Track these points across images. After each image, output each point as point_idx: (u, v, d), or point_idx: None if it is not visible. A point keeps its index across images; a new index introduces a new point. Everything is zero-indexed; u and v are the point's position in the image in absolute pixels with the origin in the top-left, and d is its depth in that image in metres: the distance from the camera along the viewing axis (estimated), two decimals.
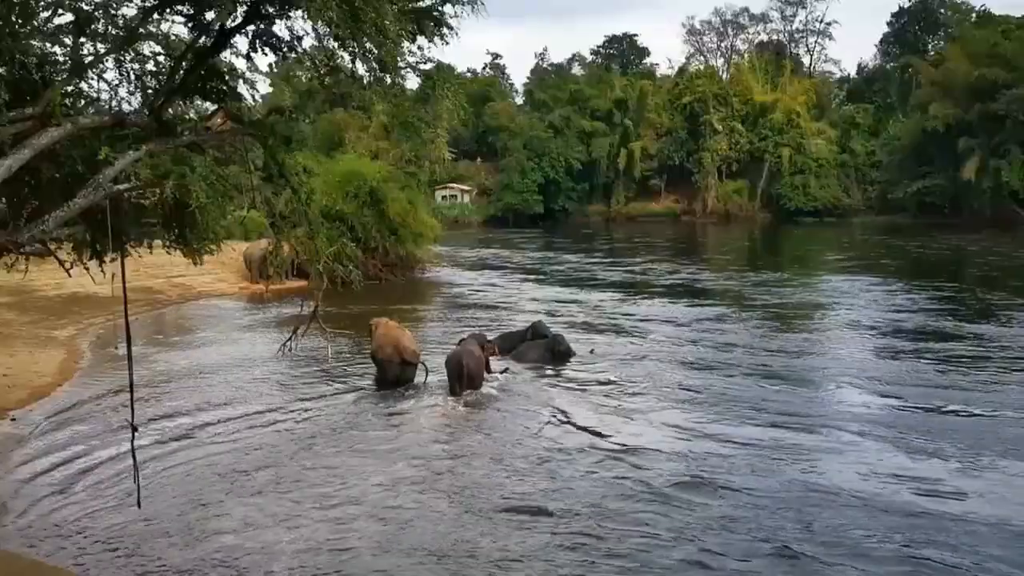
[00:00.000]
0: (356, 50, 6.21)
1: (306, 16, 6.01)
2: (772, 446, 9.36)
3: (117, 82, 6.83)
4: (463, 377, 11.71)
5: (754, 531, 7.09)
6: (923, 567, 6.37)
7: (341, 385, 12.73)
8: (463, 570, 6.57)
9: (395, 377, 12.29)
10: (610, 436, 9.88)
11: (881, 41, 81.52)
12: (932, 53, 69.30)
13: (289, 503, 7.92)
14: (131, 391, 6.97)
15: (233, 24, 6.28)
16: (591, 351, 14.55)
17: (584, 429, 10.21)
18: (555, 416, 10.86)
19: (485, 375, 12.29)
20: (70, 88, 6.54)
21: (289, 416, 11.06)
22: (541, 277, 29.59)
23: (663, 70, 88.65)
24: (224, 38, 6.34)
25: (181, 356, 15.34)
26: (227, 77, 6.86)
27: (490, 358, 12.70)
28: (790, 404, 11.26)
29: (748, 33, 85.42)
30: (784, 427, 10.11)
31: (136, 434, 6.63)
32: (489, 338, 13.66)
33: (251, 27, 6.38)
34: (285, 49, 6.61)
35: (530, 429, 10.34)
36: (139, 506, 6.65)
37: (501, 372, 12.92)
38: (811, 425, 10.18)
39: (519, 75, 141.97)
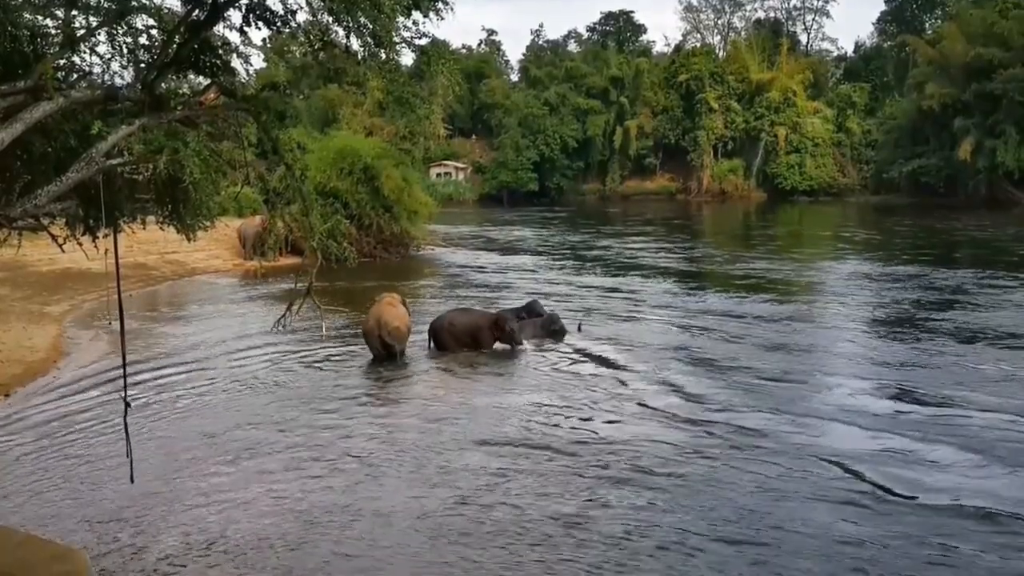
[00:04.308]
0: (351, 25, 6.18)
1: None
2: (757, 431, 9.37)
3: (110, 56, 6.79)
4: (430, 339, 13.25)
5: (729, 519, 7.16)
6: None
7: (331, 359, 12.85)
8: (413, 526, 6.86)
9: (377, 351, 12.43)
10: (587, 415, 9.89)
11: (878, 20, 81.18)
12: (929, 32, 68.92)
13: (273, 468, 8.24)
14: (124, 367, 7.00)
15: None
16: (578, 328, 14.57)
17: (559, 407, 10.21)
18: (531, 390, 10.98)
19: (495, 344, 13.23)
20: (62, 61, 6.50)
21: (278, 389, 11.20)
22: (539, 256, 29.54)
23: (660, 48, 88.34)
24: (217, 11, 6.29)
25: (174, 332, 15.35)
26: (220, 51, 6.81)
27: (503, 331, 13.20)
28: (777, 391, 11.00)
29: (745, 10, 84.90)
30: (773, 414, 9.82)
31: (129, 409, 6.64)
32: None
33: (244, 0, 6.33)
34: (279, 23, 6.57)
35: (505, 401, 10.51)
36: (132, 480, 6.68)
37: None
38: (802, 415, 9.88)
39: (515, 52, 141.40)
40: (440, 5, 6.43)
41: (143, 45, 6.90)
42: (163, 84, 6.59)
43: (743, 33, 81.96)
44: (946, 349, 12.96)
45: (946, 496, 7.28)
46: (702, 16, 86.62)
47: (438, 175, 72.23)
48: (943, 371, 11.73)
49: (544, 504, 7.25)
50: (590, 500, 7.34)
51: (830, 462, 8.10)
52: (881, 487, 7.50)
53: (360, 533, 6.80)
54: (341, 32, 6.42)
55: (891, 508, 7.07)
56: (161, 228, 7.48)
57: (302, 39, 7.02)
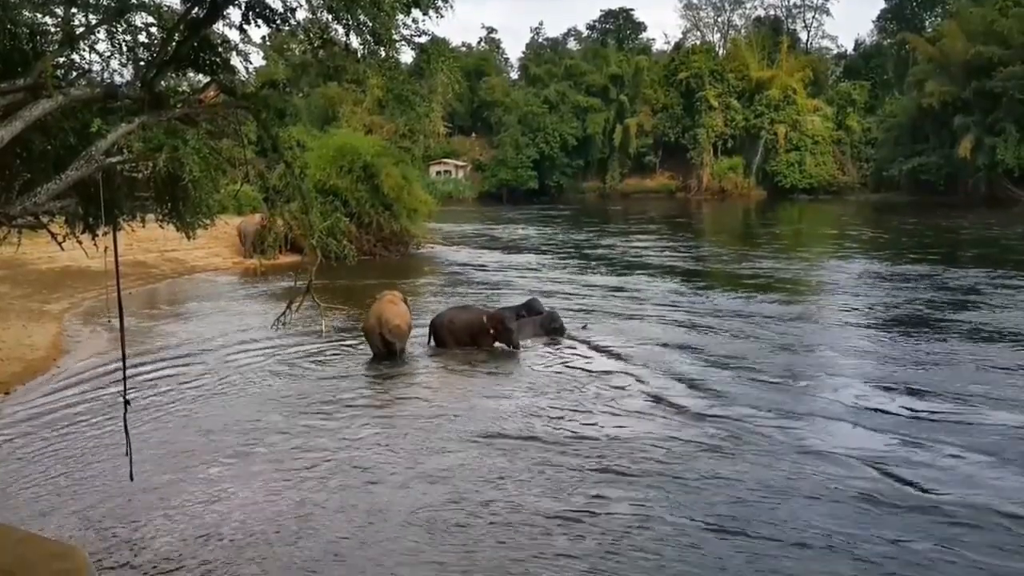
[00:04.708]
0: (350, 22, 6.17)
1: None
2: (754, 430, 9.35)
3: (109, 53, 6.77)
4: (430, 336, 13.36)
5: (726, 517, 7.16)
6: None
7: (331, 356, 12.89)
8: (410, 522, 6.92)
9: (378, 349, 12.45)
10: (587, 412, 9.89)
11: (878, 17, 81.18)
12: (929, 30, 68.89)
13: (271, 464, 8.32)
14: (123, 365, 7.01)
15: None
16: (583, 327, 14.58)
17: (559, 404, 10.20)
18: (531, 388, 10.99)
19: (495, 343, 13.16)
20: (61, 59, 6.48)
21: (277, 386, 11.26)
22: (540, 255, 29.48)
23: (659, 45, 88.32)
24: (217, 9, 6.27)
25: (174, 330, 15.35)
26: (220, 49, 6.80)
27: (498, 330, 13.12)
28: (785, 390, 10.92)
29: (745, 8, 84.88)
30: (779, 413, 9.69)
31: (128, 407, 6.65)
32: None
33: None
34: (278, 21, 6.55)
35: (505, 398, 10.56)
36: (132, 478, 6.69)
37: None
38: (805, 415, 9.77)
39: (514, 50, 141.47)
40: (440, 3, 6.40)
41: (142, 43, 6.87)
42: (163, 82, 6.57)
43: (743, 31, 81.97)
44: (960, 349, 12.82)
45: (954, 496, 7.24)
46: (702, 14, 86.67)
47: (438, 173, 72.19)
48: (957, 371, 11.59)
49: (543, 500, 7.27)
50: (590, 496, 7.34)
51: (836, 461, 8.08)
52: (888, 486, 7.47)
53: (356, 529, 6.84)
54: (341, 30, 6.41)
55: (897, 507, 7.04)
56: (161, 226, 7.48)
57: (301, 37, 7.00)
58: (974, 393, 10.37)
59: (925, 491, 7.36)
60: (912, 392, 10.55)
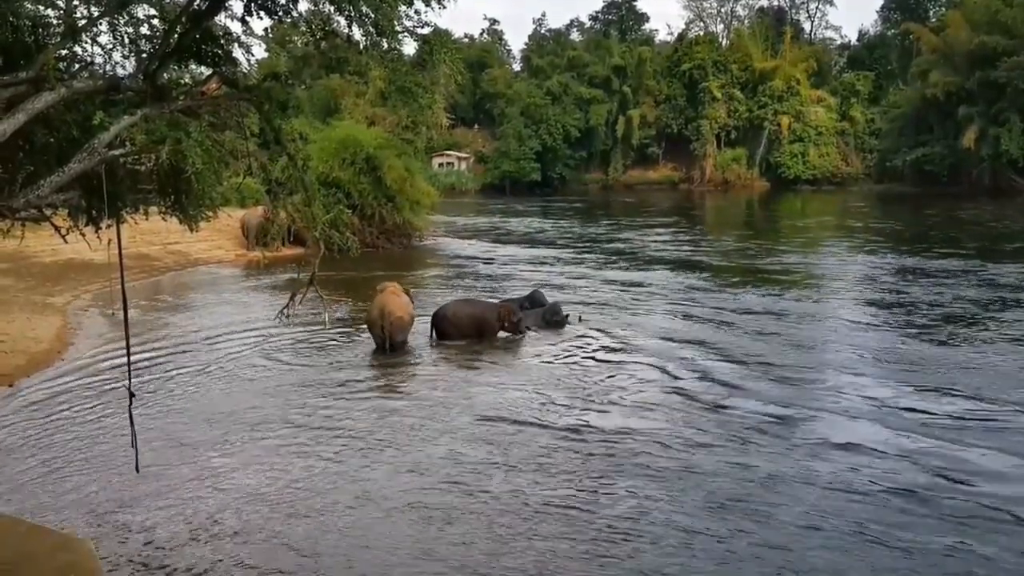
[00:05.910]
0: (352, 14, 6.15)
1: None
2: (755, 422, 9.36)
3: (111, 46, 6.76)
4: (432, 328, 13.30)
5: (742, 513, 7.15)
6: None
7: (333, 347, 12.96)
8: (409, 509, 7.01)
9: (380, 340, 12.48)
10: (589, 404, 9.89)
11: (882, 7, 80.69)
12: (933, 20, 68.60)
13: (272, 453, 8.42)
14: (128, 357, 7.02)
15: None
16: (579, 318, 14.53)
17: (563, 396, 10.19)
18: (534, 379, 11.00)
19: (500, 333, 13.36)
20: (64, 52, 6.47)
21: (280, 377, 11.32)
22: (539, 246, 29.45)
23: (662, 36, 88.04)
24: (219, 1, 6.26)
25: (178, 322, 15.39)
26: (222, 41, 6.78)
27: (510, 321, 13.31)
28: (802, 388, 10.78)
29: None
30: (789, 409, 9.63)
31: (133, 399, 6.66)
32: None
33: None
34: (280, 13, 6.52)
35: (506, 389, 10.59)
36: (137, 470, 6.71)
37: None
38: (808, 408, 9.73)
39: (517, 41, 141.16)
40: None
41: (145, 35, 6.86)
42: (165, 74, 6.56)
43: (746, 21, 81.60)
44: (1001, 350, 12.20)
45: (978, 495, 7.16)
46: (705, 4, 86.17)
47: (440, 165, 72.05)
48: (996, 372, 11.12)
49: (544, 488, 7.30)
50: (591, 485, 7.37)
51: (853, 457, 8.02)
52: (907, 483, 7.41)
53: (354, 516, 6.91)
54: (343, 21, 6.39)
55: (915, 504, 7.00)
56: (164, 218, 7.47)
57: (304, 28, 6.98)
58: (1011, 395, 10.01)
59: (947, 490, 7.27)
60: (945, 392, 10.15)
